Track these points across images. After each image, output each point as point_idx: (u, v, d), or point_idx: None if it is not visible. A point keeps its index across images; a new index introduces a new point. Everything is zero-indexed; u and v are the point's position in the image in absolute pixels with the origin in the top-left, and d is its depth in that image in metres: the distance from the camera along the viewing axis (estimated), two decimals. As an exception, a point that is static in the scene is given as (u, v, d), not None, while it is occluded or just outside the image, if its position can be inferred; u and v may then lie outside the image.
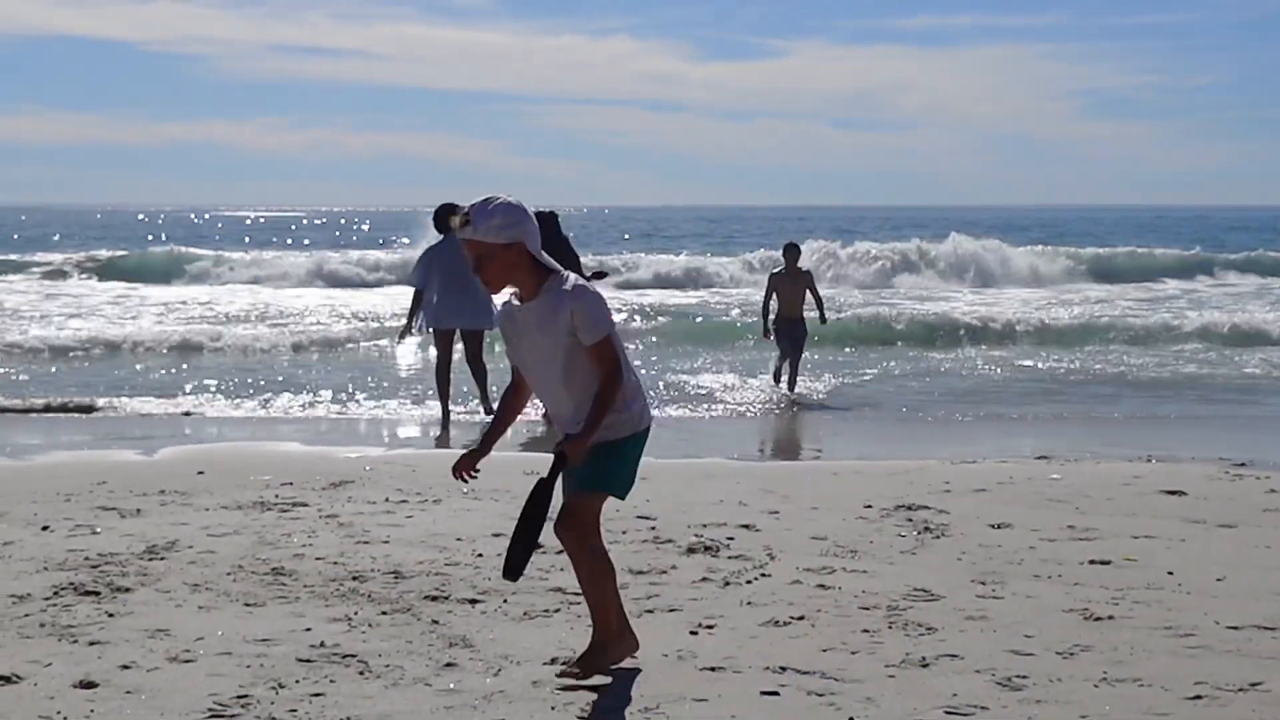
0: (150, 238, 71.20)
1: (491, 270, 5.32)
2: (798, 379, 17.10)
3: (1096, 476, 10.69)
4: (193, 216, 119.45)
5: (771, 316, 17.23)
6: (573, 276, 5.41)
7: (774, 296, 17.21)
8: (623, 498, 5.63)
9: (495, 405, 14.43)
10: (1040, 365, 20.83)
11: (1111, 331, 24.91)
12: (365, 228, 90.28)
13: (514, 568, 5.52)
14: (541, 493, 5.46)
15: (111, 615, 6.43)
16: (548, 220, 15.15)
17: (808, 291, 17.13)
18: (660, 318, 27.83)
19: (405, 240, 59.88)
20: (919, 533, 8.52)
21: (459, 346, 15.01)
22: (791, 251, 17.32)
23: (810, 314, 17.26)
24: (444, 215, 14.85)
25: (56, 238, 68.59)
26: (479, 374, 14.91)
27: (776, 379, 17.12)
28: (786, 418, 15.72)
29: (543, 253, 5.36)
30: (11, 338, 22.09)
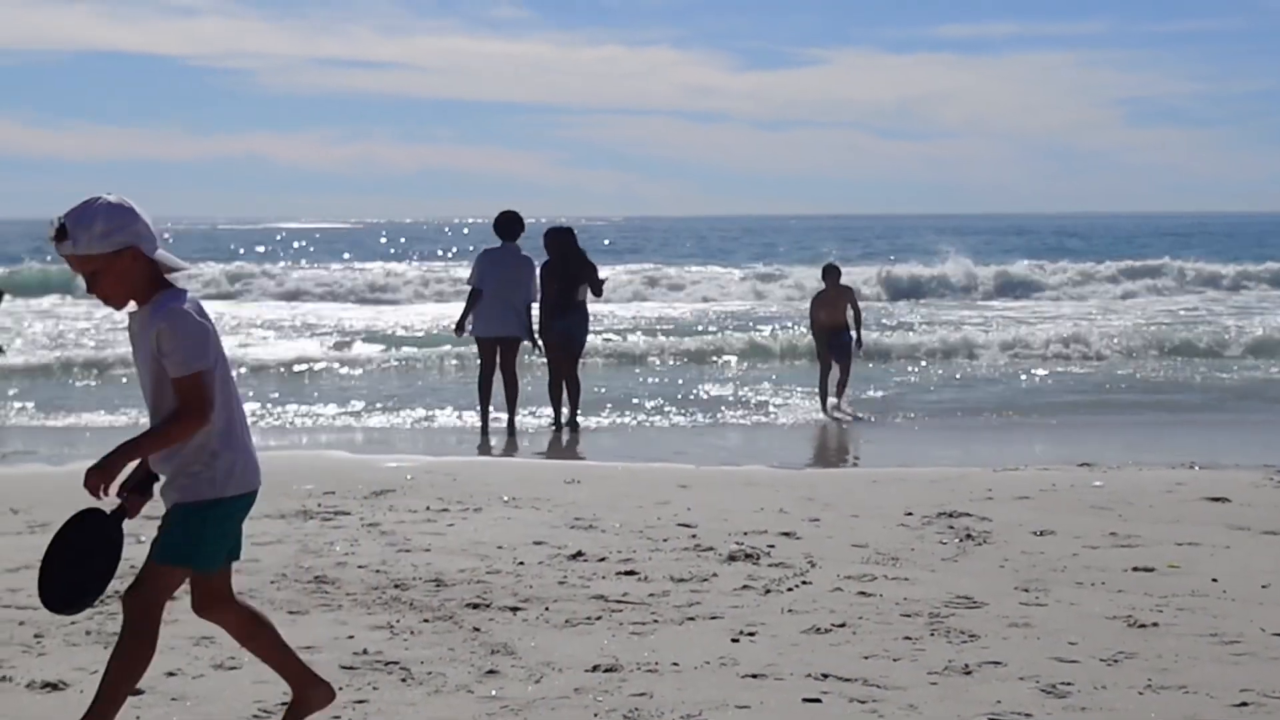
0: (211, 248, 71.59)
1: (106, 285, 4.49)
2: (846, 390, 16.83)
3: (1139, 484, 10.63)
4: (246, 229, 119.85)
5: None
6: (185, 295, 4.55)
7: (818, 317, 17.07)
8: (202, 570, 4.74)
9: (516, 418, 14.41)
10: (1085, 372, 20.73)
11: (1167, 343, 24.55)
12: (402, 240, 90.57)
13: (60, 601, 4.68)
14: (82, 521, 4.71)
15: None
16: (565, 234, 15.27)
17: (849, 306, 17.04)
18: (712, 331, 27.82)
19: (441, 252, 60.13)
20: (961, 540, 8.49)
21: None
22: (831, 274, 17.24)
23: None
24: (505, 222, 14.95)
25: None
26: (512, 385, 14.94)
27: (824, 402, 16.65)
28: (827, 426, 15.69)
29: (164, 256, 4.54)
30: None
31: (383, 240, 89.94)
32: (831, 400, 16.61)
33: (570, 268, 15.06)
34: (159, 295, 4.51)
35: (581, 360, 15.77)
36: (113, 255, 4.43)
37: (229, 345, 21.95)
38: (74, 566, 4.65)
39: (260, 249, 70.73)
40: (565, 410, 15.22)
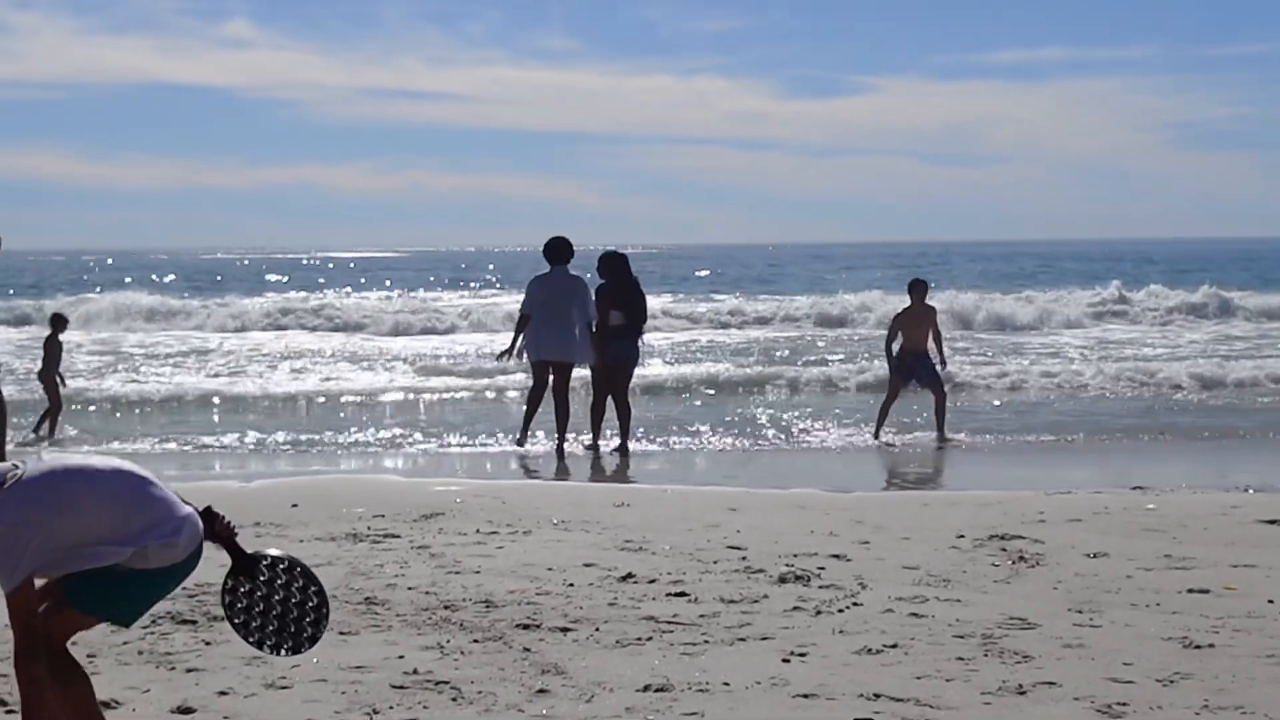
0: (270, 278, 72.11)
1: None
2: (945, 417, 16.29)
3: (1193, 506, 10.54)
4: (303, 259, 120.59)
5: (896, 348, 16.53)
6: None
7: (899, 335, 16.52)
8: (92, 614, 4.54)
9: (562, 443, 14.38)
10: (1136, 395, 20.58)
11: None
12: (463, 266, 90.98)
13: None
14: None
15: (208, 643, 6.49)
16: (620, 260, 15.29)
17: (932, 328, 16.51)
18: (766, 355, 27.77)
19: (490, 279, 60.33)
20: (1013, 562, 8.43)
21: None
22: (918, 288, 16.66)
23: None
24: (554, 247, 15.00)
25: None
26: (562, 409, 14.95)
27: (878, 432, 16.22)
28: (879, 450, 15.63)
29: None
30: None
31: (432, 265, 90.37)
32: (885, 438, 16.10)
33: (623, 294, 15.08)
34: None
35: (633, 386, 15.76)
36: None
37: (282, 374, 21.92)
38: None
39: (320, 279, 71.03)
40: (607, 433, 15.22)
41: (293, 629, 4.72)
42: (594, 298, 14.91)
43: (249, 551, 4.68)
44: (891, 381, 16.46)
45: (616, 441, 15.15)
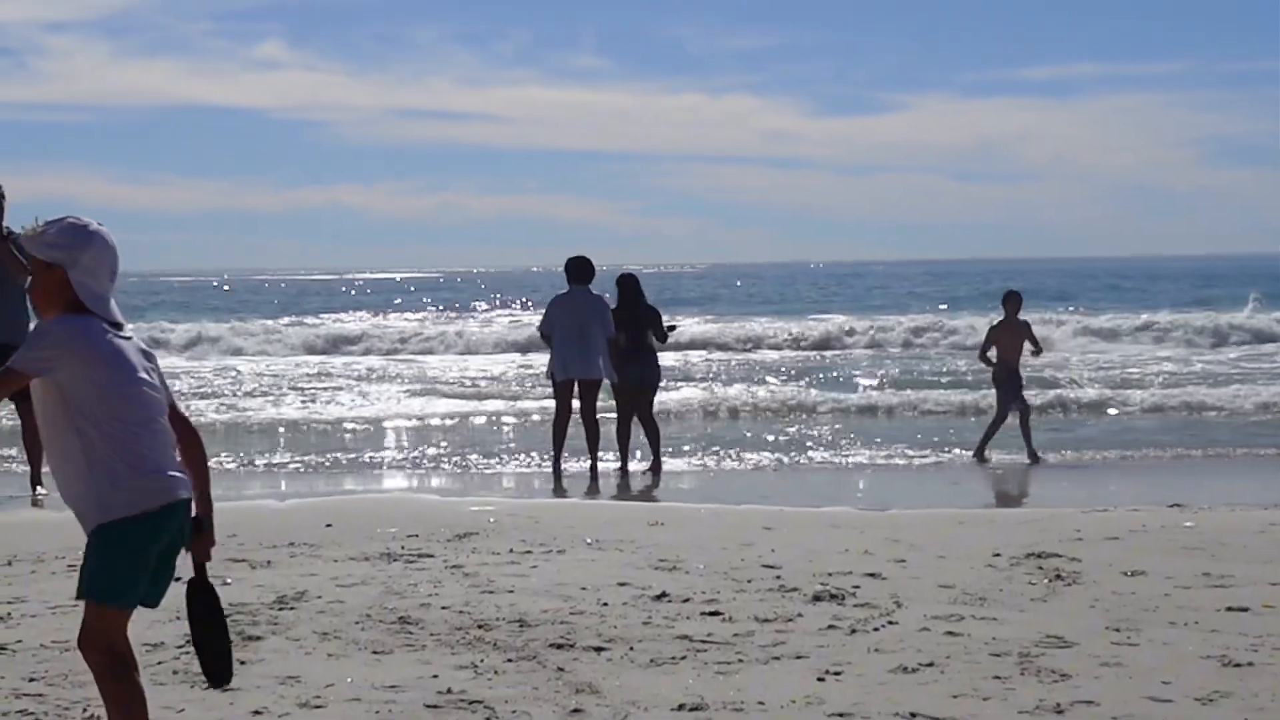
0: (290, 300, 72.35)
1: (35, 291, 4.70)
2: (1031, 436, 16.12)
3: (1231, 524, 10.46)
4: (339, 282, 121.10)
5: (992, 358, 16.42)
6: (88, 319, 4.60)
7: (992, 347, 16.38)
8: (103, 603, 4.64)
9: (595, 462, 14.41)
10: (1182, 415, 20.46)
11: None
12: (482, 287, 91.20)
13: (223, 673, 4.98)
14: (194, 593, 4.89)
15: (243, 663, 6.49)
16: (631, 281, 15.37)
17: (1028, 341, 16.36)
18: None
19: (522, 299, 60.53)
20: (1050, 580, 8.37)
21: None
22: (1012, 300, 16.43)
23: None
24: (575, 266, 15.05)
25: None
26: (592, 428, 14.95)
27: (981, 453, 16.01)
28: (916, 468, 15.58)
29: (92, 292, 4.61)
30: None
31: (460, 285, 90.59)
32: (989, 459, 15.93)
33: (630, 315, 15.15)
34: (64, 315, 4.62)
35: (658, 403, 15.78)
36: (45, 265, 4.61)
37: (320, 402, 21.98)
38: (217, 636, 4.93)
39: (356, 299, 71.24)
40: (635, 454, 15.23)
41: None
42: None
43: (206, 583, 4.86)
44: (1000, 401, 16.24)
45: (646, 464, 15.13)
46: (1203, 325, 36.84)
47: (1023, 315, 16.54)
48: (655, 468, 15.02)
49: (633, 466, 15.11)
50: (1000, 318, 16.64)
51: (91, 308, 4.59)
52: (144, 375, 4.64)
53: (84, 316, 4.58)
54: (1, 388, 4.62)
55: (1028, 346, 16.38)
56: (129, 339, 4.68)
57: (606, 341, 14.81)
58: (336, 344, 37.64)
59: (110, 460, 4.53)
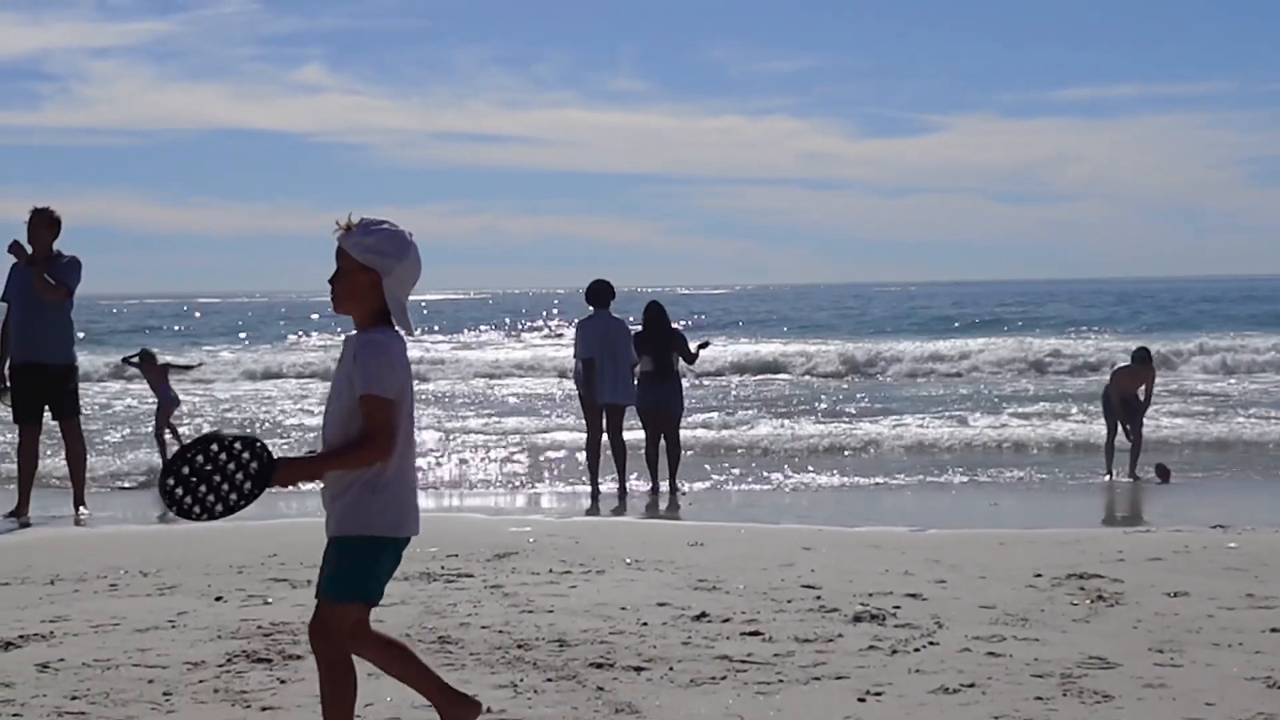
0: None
1: (340, 286, 4.79)
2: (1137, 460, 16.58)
3: (1275, 545, 10.38)
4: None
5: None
6: (398, 338, 4.80)
7: (1114, 385, 17.05)
8: (352, 601, 4.92)
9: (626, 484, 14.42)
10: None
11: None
12: (524, 311, 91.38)
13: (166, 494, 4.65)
14: (208, 442, 4.64)
15: (283, 681, 6.51)
16: (654, 310, 15.49)
17: (1146, 383, 17.03)
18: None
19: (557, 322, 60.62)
20: (1092, 601, 8.32)
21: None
22: (1140, 354, 17.17)
23: None
24: (597, 290, 15.12)
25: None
26: (620, 450, 15.03)
27: (1109, 469, 16.46)
28: (956, 489, 15.52)
29: (397, 303, 4.76)
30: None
31: (498, 306, 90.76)
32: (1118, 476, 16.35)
33: (663, 339, 15.22)
34: (373, 328, 4.76)
35: (682, 427, 15.85)
36: (360, 267, 4.72)
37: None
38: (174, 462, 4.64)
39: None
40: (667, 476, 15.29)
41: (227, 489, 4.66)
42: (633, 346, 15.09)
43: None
44: (1107, 423, 16.87)
45: (664, 484, 15.19)
46: None
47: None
48: (672, 488, 15.11)
49: (662, 486, 15.16)
50: (1126, 364, 17.36)
51: (395, 318, 4.75)
52: (411, 399, 4.83)
53: (396, 334, 4.77)
54: (389, 420, 4.68)
55: (1141, 390, 16.97)
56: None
57: (630, 365, 14.96)
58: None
59: (390, 478, 4.76)
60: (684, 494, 15.04)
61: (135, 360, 18.26)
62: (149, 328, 65.72)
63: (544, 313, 76.46)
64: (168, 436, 17.56)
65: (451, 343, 47.08)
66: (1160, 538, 10.80)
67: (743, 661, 6.84)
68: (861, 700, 6.17)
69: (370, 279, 4.71)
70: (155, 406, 17.86)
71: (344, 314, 4.79)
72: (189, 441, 4.77)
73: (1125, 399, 16.78)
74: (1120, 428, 16.64)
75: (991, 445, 19.32)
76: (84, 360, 18.69)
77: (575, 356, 15.34)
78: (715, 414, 23.99)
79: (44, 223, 12.66)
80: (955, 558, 9.87)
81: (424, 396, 28.27)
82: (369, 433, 4.66)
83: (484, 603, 8.34)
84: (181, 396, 19.03)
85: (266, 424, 23.72)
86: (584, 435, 15.47)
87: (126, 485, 16.42)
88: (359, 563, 4.83)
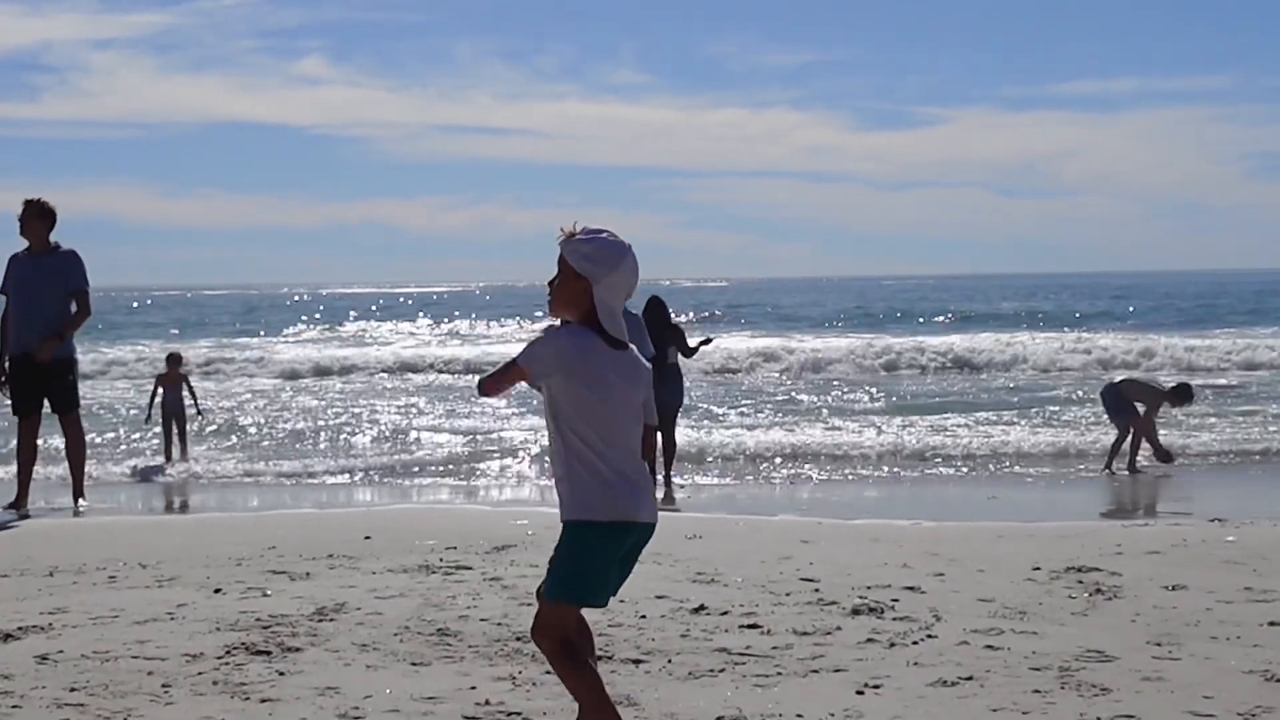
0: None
1: (557, 290, 5.05)
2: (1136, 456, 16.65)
3: (1274, 539, 10.39)
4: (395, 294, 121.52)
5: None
6: (587, 332, 5.00)
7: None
8: (559, 600, 5.13)
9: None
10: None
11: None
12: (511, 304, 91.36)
13: None
14: None
15: (282, 674, 6.52)
16: (653, 304, 15.50)
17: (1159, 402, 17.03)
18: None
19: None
20: (1090, 594, 8.33)
21: None
22: (1180, 390, 17.15)
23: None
24: None
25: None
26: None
27: (1119, 465, 16.51)
28: (954, 482, 15.53)
29: (609, 310, 5.00)
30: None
31: (497, 298, 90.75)
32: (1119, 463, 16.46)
33: (662, 333, 15.26)
34: (578, 325, 5.00)
35: (679, 421, 15.92)
36: (574, 274, 4.97)
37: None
38: None
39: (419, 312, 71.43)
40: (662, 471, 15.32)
41: None
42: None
43: None
44: (1117, 425, 16.90)
45: (660, 476, 15.23)
46: None
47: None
48: (667, 479, 15.14)
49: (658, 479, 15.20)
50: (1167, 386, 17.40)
51: (603, 324, 4.97)
52: (621, 395, 5.00)
53: (588, 332, 4.97)
54: (503, 380, 5.07)
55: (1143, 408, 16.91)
56: (624, 356, 5.03)
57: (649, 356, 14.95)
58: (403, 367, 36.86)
59: (580, 467, 4.99)
60: (681, 487, 15.06)
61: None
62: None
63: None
64: (173, 433, 17.72)
65: (446, 333, 47.13)
66: (1159, 531, 10.81)
67: (741, 654, 6.85)
68: (860, 693, 6.18)
69: (583, 285, 4.95)
70: (162, 401, 17.89)
71: (559, 316, 5.04)
72: None
73: (1126, 402, 16.72)
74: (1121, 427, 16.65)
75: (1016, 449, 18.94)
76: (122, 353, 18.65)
77: None
78: (713, 407, 24.01)
79: (36, 214, 12.68)
80: (954, 551, 9.88)
81: (428, 387, 28.28)
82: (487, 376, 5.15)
83: (483, 595, 8.34)
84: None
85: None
86: None
87: (126, 477, 16.43)
88: (562, 549, 5.21)
